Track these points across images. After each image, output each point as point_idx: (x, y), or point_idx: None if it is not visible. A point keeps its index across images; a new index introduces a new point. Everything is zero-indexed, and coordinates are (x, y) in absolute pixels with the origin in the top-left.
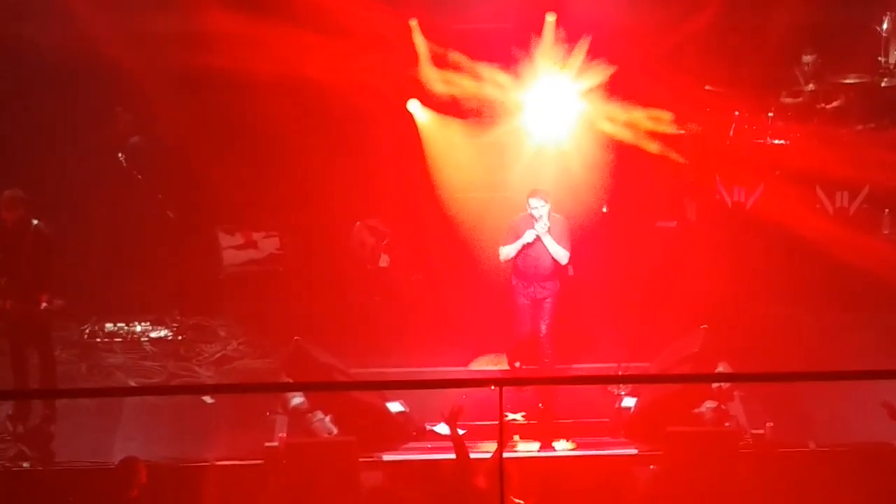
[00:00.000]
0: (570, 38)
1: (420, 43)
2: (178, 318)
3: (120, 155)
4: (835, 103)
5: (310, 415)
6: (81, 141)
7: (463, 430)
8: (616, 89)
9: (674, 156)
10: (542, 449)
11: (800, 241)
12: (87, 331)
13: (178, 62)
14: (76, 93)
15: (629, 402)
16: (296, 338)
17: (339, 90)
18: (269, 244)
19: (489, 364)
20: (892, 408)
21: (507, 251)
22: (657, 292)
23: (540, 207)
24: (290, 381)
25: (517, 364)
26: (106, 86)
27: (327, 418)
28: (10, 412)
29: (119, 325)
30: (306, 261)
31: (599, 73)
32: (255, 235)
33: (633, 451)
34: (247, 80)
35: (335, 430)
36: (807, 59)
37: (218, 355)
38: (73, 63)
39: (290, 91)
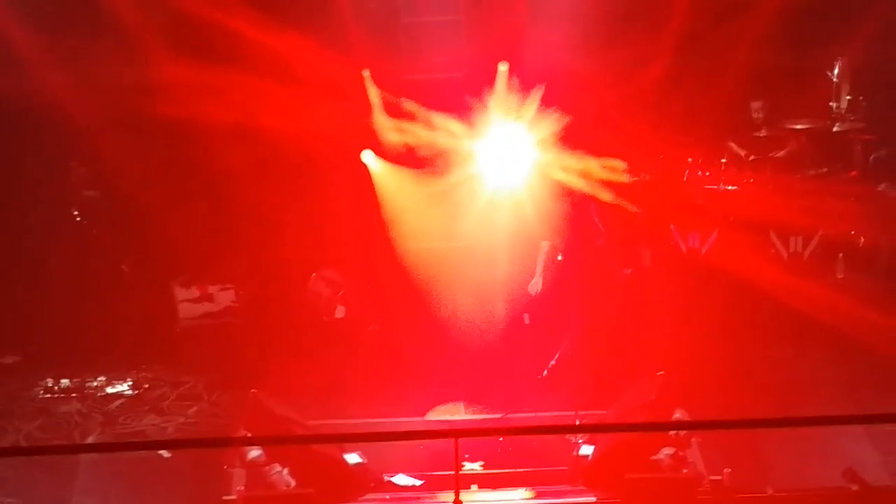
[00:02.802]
0: (523, 87)
1: (373, 93)
2: (135, 372)
3: (74, 210)
4: (787, 149)
5: (267, 468)
6: (35, 194)
7: (420, 480)
8: (570, 138)
9: (627, 204)
10: (500, 498)
11: (755, 286)
12: (42, 386)
13: (132, 112)
14: (30, 146)
15: (587, 449)
16: (252, 390)
17: (294, 139)
18: (224, 297)
19: (447, 414)
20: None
21: None
22: (613, 339)
23: None
24: (248, 434)
25: None
26: (60, 138)
27: (285, 471)
28: None
29: (75, 380)
30: (262, 313)
31: (553, 122)
32: (211, 288)
33: (592, 499)
34: (201, 130)
35: (293, 483)
36: (755, 105)
37: (174, 408)
38: (27, 115)
39: (245, 140)
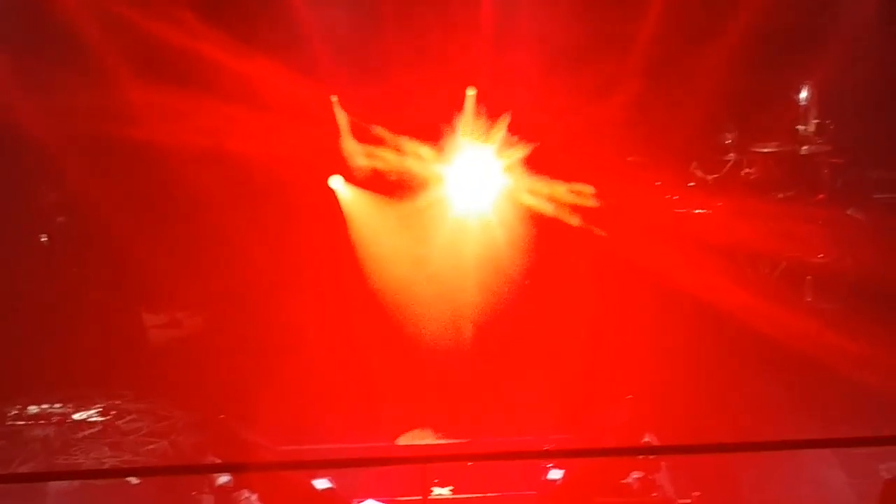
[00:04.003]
0: (491, 112)
1: (341, 117)
2: (104, 398)
3: (42, 236)
4: (754, 172)
5: (236, 493)
6: (2, 220)
7: None
8: (538, 162)
9: (595, 229)
10: None
11: (724, 309)
12: (10, 413)
13: (101, 137)
14: None
15: (556, 473)
16: (221, 416)
17: (262, 164)
18: (193, 323)
19: (416, 439)
20: None
21: None
22: (583, 364)
23: None
24: (217, 459)
25: None
26: (28, 164)
27: (254, 497)
28: None
29: (43, 406)
30: (231, 339)
31: (521, 147)
32: (180, 314)
33: None
34: (170, 155)
35: None
36: (723, 129)
37: (143, 435)
38: None
39: (213, 165)
